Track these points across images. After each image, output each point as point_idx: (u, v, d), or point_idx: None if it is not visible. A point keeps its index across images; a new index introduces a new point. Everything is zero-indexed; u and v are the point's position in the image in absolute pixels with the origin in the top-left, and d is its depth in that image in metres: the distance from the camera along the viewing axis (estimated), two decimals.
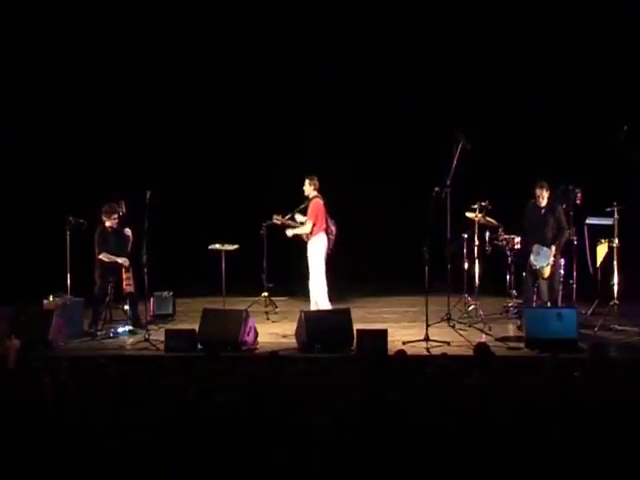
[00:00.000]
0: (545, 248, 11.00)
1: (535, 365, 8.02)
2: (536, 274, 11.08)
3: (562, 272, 11.61)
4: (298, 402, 5.93)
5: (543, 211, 11.18)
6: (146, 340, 10.59)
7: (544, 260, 10.98)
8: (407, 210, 12.85)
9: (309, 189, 11.42)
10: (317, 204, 11.36)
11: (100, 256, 11.40)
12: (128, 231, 11.63)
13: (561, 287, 11.55)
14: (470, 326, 11.03)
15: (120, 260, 11.37)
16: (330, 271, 11.66)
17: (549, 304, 11.03)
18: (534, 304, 11.12)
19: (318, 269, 11.28)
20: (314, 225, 11.29)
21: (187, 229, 13.70)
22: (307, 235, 11.34)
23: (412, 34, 13.82)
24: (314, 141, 13.83)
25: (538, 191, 11.11)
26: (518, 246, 11.51)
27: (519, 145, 13.28)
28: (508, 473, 5.16)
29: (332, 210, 11.64)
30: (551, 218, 11.14)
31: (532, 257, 11.04)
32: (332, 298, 11.35)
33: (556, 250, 11.03)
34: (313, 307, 11.27)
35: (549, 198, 11.15)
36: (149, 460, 5.39)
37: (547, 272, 11.02)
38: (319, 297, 11.30)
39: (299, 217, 11.55)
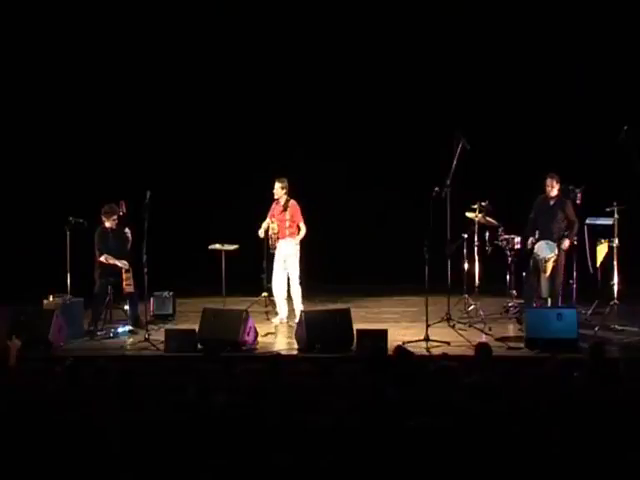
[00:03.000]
0: (549, 241, 11.00)
1: (535, 365, 8.03)
2: (538, 268, 11.06)
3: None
4: (298, 402, 5.93)
5: (552, 203, 11.17)
6: (146, 340, 10.59)
7: (549, 251, 10.95)
8: (407, 210, 12.84)
9: (280, 192, 11.50)
10: (297, 206, 11.49)
11: (101, 258, 11.40)
12: (128, 231, 11.62)
13: (561, 287, 11.57)
14: (470, 326, 11.02)
15: (120, 264, 11.35)
16: (331, 271, 11.70)
17: (549, 301, 11.06)
18: (534, 304, 11.13)
19: (298, 269, 11.48)
20: (299, 227, 11.43)
21: (187, 229, 13.69)
22: (279, 234, 11.40)
23: (412, 33, 13.80)
24: (314, 141, 13.82)
25: (548, 180, 11.12)
26: (518, 246, 11.51)
27: (519, 145, 13.27)
28: (508, 473, 5.16)
29: (332, 210, 11.65)
30: (559, 211, 11.14)
31: (536, 247, 11.04)
32: (331, 298, 11.42)
33: (568, 244, 11.00)
34: (298, 307, 11.39)
35: (559, 191, 11.16)
36: (149, 460, 5.39)
37: (549, 267, 10.99)
38: (299, 297, 11.49)
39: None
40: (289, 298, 11.70)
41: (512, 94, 13.48)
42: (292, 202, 11.53)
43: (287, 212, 11.51)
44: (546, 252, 10.97)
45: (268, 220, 11.63)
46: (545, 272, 11.03)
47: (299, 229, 11.52)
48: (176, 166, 14.15)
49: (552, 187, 11.14)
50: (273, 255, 11.79)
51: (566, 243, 11.03)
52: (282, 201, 11.53)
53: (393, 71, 14.02)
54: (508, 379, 6.55)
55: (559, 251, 11.02)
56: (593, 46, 13.22)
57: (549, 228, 11.13)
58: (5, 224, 13.76)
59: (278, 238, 11.52)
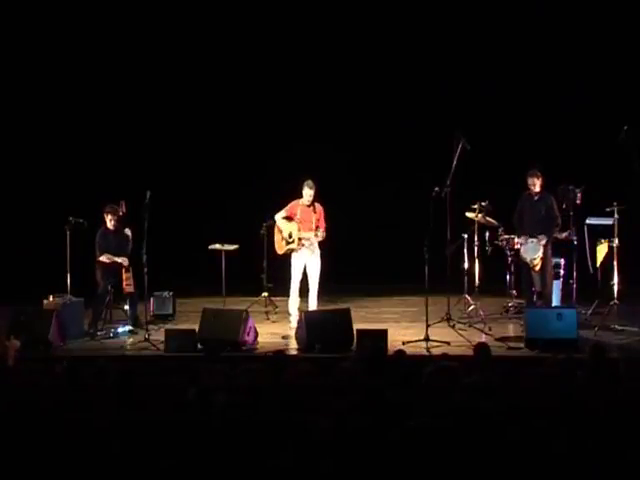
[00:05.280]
0: (533, 240, 11.04)
1: (535, 365, 8.02)
2: (528, 266, 11.11)
3: (562, 272, 11.66)
4: (298, 402, 5.93)
5: (536, 198, 11.24)
6: (146, 340, 10.59)
7: (533, 252, 11.03)
8: (407, 210, 12.83)
9: (312, 197, 11.36)
10: (322, 209, 11.45)
11: (101, 258, 11.40)
12: (128, 231, 11.62)
13: (561, 287, 11.59)
14: (470, 326, 11.02)
15: (119, 260, 11.36)
16: (331, 271, 11.72)
17: (543, 302, 11.12)
18: (535, 303, 11.16)
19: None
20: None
21: (187, 229, 13.69)
22: (304, 238, 11.33)
23: (413, 33, 13.80)
24: (315, 141, 13.81)
25: (530, 180, 11.21)
26: (518, 246, 11.51)
27: (519, 145, 13.26)
28: (509, 473, 5.15)
29: (332, 210, 11.66)
30: (543, 207, 11.19)
31: (522, 250, 11.10)
32: (332, 298, 11.40)
33: (546, 241, 11.03)
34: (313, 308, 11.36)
35: (542, 186, 11.19)
36: (149, 460, 5.38)
37: (538, 265, 11.06)
38: (316, 300, 11.42)
39: (303, 234, 11.41)
40: (302, 299, 11.58)
41: (512, 94, 13.47)
42: (318, 205, 11.43)
43: (316, 215, 11.37)
44: (531, 254, 11.06)
45: (283, 218, 11.45)
46: (534, 269, 11.12)
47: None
48: (176, 166, 14.15)
49: (534, 185, 11.22)
50: (272, 257, 11.81)
51: (543, 241, 11.05)
52: (311, 205, 11.36)
53: (391, 71, 14.02)
54: (508, 379, 6.55)
55: (544, 249, 11.04)
56: (593, 46, 13.22)
57: (535, 224, 11.17)
58: (5, 224, 13.76)
59: (300, 240, 11.37)
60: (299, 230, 11.37)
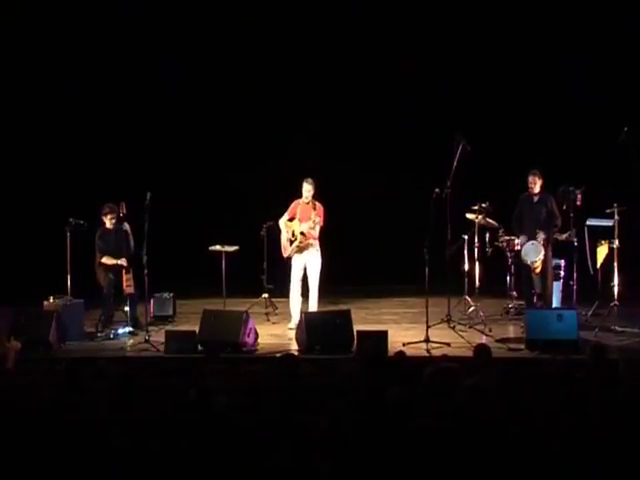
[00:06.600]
0: (534, 242, 11.05)
1: (535, 366, 8.02)
2: (528, 268, 11.14)
3: (563, 273, 11.66)
4: (298, 403, 5.93)
5: (536, 199, 11.24)
6: (146, 341, 10.58)
7: (534, 255, 11.03)
8: (408, 211, 12.84)
9: (310, 194, 11.32)
10: (322, 208, 11.36)
11: (102, 260, 11.40)
12: (127, 226, 11.56)
13: (561, 288, 11.59)
14: (470, 327, 11.01)
15: (119, 262, 11.36)
16: (331, 272, 11.71)
17: (544, 303, 11.14)
18: (535, 304, 11.16)
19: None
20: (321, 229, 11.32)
21: (187, 230, 13.69)
22: (312, 239, 11.27)
23: (413, 34, 13.82)
24: (315, 142, 13.83)
25: (530, 177, 11.23)
26: (518, 247, 11.51)
27: (520, 146, 13.27)
28: (508, 474, 5.15)
29: (332, 211, 11.65)
30: (543, 209, 11.21)
31: (523, 251, 11.11)
32: (332, 299, 11.40)
33: (545, 242, 11.04)
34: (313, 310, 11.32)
35: (542, 187, 11.20)
36: (149, 461, 5.38)
37: (539, 267, 11.07)
38: (317, 301, 11.37)
39: (301, 226, 11.40)
40: (303, 300, 11.53)
41: (513, 95, 13.49)
42: (318, 203, 11.32)
43: (315, 211, 11.25)
44: (532, 256, 11.06)
45: (286, 221, 11.38)
46: (535, 271, 11.15)
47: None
48: (176, 167, 14.17)
49: (535, 184, 11.24)
50: (272, 258, 11.79)
51: (541, 235, 11.06)
52: (310, 202, 11.28)
53: (391, 71, 14.03)
54: (508, 380, 6.55)
55: (545, 251, 11.05)
56: (593, 46, 13.23)
57: (535, 225, 11.18)
58: (6, 225, 13.76)
59: (303, 235, 11.25)
60: (300, 226, 11.32)
